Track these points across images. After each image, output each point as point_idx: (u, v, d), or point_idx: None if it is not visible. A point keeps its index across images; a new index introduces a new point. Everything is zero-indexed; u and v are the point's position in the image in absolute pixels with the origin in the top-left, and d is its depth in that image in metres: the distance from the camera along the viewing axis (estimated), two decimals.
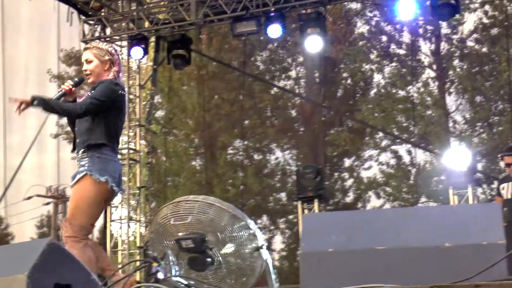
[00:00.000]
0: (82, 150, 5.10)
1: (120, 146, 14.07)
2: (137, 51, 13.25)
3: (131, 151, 14.01)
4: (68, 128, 18.74)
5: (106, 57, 5.25)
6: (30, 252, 4.07)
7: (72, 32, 14.67)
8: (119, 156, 5.31)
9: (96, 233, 15.66)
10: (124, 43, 14.06)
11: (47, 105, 5.02)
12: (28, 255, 4.04)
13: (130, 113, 14.11)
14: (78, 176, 5.06)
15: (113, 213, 13.79)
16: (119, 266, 13.36)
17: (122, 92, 5.21)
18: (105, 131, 5.12)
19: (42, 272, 3.95)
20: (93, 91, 5.13)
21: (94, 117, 5.11)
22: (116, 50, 5.37)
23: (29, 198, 19.57)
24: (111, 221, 13.76)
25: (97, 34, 13.92)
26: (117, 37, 14.00)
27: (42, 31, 14.78)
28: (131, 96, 14.20)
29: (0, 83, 13.17)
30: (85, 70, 5.27)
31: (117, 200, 14.03)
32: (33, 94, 5.01)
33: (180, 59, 13.38)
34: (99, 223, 14.71)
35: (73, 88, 5.19)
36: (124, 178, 14.00)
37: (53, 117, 16.76)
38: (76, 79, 5.29)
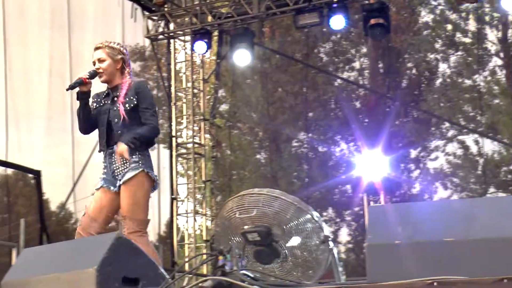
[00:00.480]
0: (133, 151, 5.15)
1: (185, 140, 14.27)
2: (201, 45, 13.32)
3: (196, 145, 14.11)
4: None
5: (119, 56, 5.35)
6: (99, 246, 4.13)
7: (136, 28, 14.80)
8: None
9: (162, 227, 15.80)
10: (188, 37, 14.15)
11: (141, 142, 5.16)
12: (97, 249, 4.10)
13: (195, 108, 14.20)
14: (132, 173, 5.13)
15: (179, 207, 13.91)
16: (186, 259, 13.48)
17: None
18: None
19: (110, 265, 4.00)
20: (134, 97, 5.22)
21: (139, 118, 5.23)
22: (126, 50, 5.45)
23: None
24: (178, 215, 13.88)
25: (160, 29, 14.05)
26: (181, 32, 14.10)
27: (107, 27, 14.95)
28: (195, 91, 14.29)
29: (68, 80, 13.37)
30: (98, 69, 5.33)
31: (183, 194, 14.15)
32: (121, 141, 5.12)
33: (243, 52, 13.39)
34: (165, 217, 14.88)
35: (89, 79, 5.27)
36: (190, 172, 14.13)
37: None
38: (91, 71, 5.33)
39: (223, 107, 21.33)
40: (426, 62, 22.26)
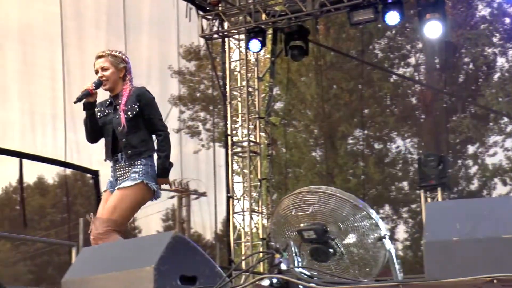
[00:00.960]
0: (135, 158, 5.28)
1: (240, 138, 14.31)
2: (255, 44, 13.33)
3: (252, 144, 14.13)
4: (191, 123, 19.00)
5: (122, 65, 5.43)
6: (156, 245, 4.16)
7: (191, 27, 14.91)
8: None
9: (219, 225, 15.88)
10: (242, 36, 14.19)
11: (170, 167, 5.39)
12: (155, 248, 4.13)
13: (250, 106, 14.23)
14: (129, 183, 5.25)
15: (235, 205, 13.96)
16: (243, 257, 13.52)
17: None
18: (152, 140, 5.40)
19: (168, 264, 4.03)
20: (136, 104, 5.32)
21: (143, 129, 5.34)
22: (128, 58, 5.51)
23: None
24: (234, 213, 13.93)
25: (215, 28, 14.11)
26: (235, 31, 14.15)
27: (162, 28, 15.09)
28: (250, 89, 14.32)
29: None
30: (101, 77, 5.39)
31: (239, 192, 14.20)
32: (161, 180, 5.35)
33: (298, 50, 13.36)
34: (222, 215, 14.95)
35: (95, 90, 5.34)
36: (245, 171, 14.17)
37: (175, 113, 17.10)
38: (96, 81, 5.39)
39: (278, 105, 21.34)
40: (483, 56, 21.93)
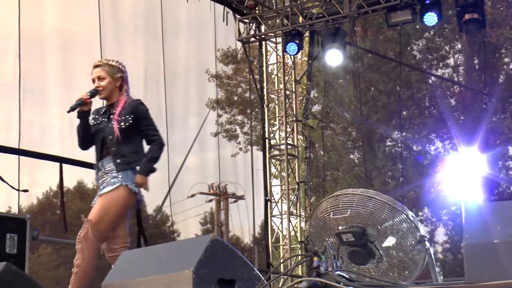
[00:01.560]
0: (123, 167, 5.38)
1: (277, 141, 14.31)
2: (292, 46, 13.31)
3: (289, 147, 14.13)
4: (228, 126, 19.04)
5: (118, 75, 5.52)
6: (195, 248, 4.17)
7: (228, 31, 14.96)
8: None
9: (257, 228, 15.89)
10: (279, 39, 14.19)
11: (152, 169, 5.45)
12: (193, 251, 4.15)
13: (287, 109, 14.22)
14: (109, 188, 5.35)
15: (273, 208, 13.96)
16: (281, 260, 13.51)
17: None
18: (143, 150, 5.52)
19: (206, 267, 4.04)
20: (130, 116, 5.42)
21: (134, 140, 5.45)
22: (125, 68, 5.61)
23: (192, 196, 20.17)
24: (272, 216, 13.92)
25: (252, 32, 14.13)
26: (272, 34, 14.16)
27: (199, 32, 15.17)
28: (287, 92, 14.31)
29: (162, 85, 13.62)
30: (98, 87, 5.49)
31: (276, 195, 14.20)
32: (139, 176, 5.39)
33: (335, 52, 13.33)
34: (260, 219, 14.96)
35: (89, 99, 5.46)
36: (283, 174, 14.16)
37: (212, 116, 17.16)
38: (92, 90, 5.49)
39: (316, 107, 21.31)
40: None
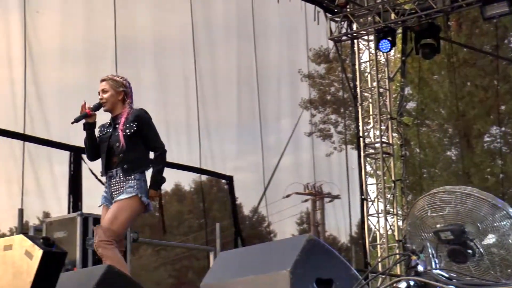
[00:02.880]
0: (130, 173, 5.67)
1: (372, 140, 14.20)
2: (385, 44, 13.20)
3: (384, 145, 14.00)
4: (322, 126, 19.00)
5: (120, 89, 5.86)
6: (292, 248, 4.18)
7: (319, 30, 14.91)
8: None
9: (354, 227, 15.78)
10: (371, 37, 14.09)
11: (162, 181, 5.82)
12: (290, 251, 4.15)
13: (381, 107, 14.10)
14: (125, 196, 5.64)
15: (369, 207, 13.86)
16: (379, 260, 13.39)
17: None
18: (148, 155, 5.88)
19: (303, 267, 4.04)
20: (134, 123, 5.73)
21: (139, 147, 5.75)
22: (129, 83, 5.96)
23: (288, 196, 20.18)
24: (368, 215, 13.83)
25: (343, 30, 14.07)
26: (364, 32, 14.06)
27: (290, 32, 15.16)
28: (381, 90, 14.19)
29: (255, 87, 13.69)
30: (101, 99, 5.84)
31: (372, 194, 14.09)
32: (152, 191, 5.75)
33: (429, 48, 13.15)
34: (356, 218, 14.85)
35: (93, 112, 5.81)
36: (379, 172, 14.03)
37: (306, 116, 17.15)
38: (95, 104, 5.84)
39: (410, 104, 21.01)
40: None
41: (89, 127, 5.85)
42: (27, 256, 4.53)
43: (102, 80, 5.93)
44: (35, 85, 10.53)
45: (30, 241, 4.58)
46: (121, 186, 5.71)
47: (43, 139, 10.45)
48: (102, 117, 6.00)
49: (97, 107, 5.85)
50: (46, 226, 8.01)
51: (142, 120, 5.81)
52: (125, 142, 5.69)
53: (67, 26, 11.40)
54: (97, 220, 7.93)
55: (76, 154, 10.52)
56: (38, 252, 4.50)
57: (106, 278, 4.90)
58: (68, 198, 10.26)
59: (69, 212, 9.78)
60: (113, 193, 5.74)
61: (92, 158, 5.97)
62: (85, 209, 9.05)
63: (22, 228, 8.58)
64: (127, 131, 5.72)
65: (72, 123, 5.83)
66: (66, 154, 10.63)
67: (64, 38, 11.40)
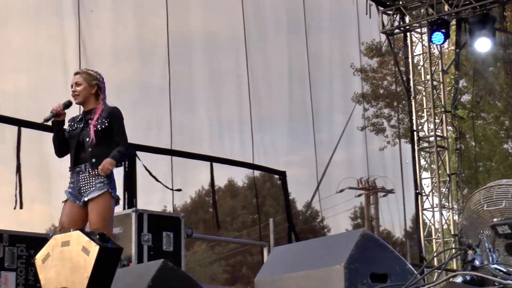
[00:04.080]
0: (97, 167, 5.64)
1: (426, 133, 14.06)
2: (438, 36, 13.05)
3: (439, 138, 13.85)
4: (375, 120, 18.86)
5: (94, 82, 5.88)
6: (346, 243, 4.16)
7: (371, 24, 14.81)
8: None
9: (408, 222, 15.65)
10: (424, 29, 13.95)
11: (121, 159, 5.80)
12: (344, 246, 4.14)
13: (435, 100, 13.95)
14: (97, 192, 5.61)
15: (424, 201, 13.73)
16: (434, 254, 13.26)
17: None
18: None
19: (358, 262, 4.02)
20: (106, 119, 5.74)
21: (109, 143, 5.73)
22: (103, 78, 5.97)
23: (341, 191, 20.11)
24: (423, 209, 13.70)
25: (396, 23, 13.94)
26: (417, 24, 13.92)
27: (342, 26, 15.07)
28: (435, 83, 14.04)
29: (307, 81, 13.66)
30: (74, 92, 5.86)
31: (427, 188, 13.95)
32: (109, 160, 5.65)
33: (484, 39, 12.95)
34: (410, 212, 14.72)
35: (62, 110, 5.82)
36: (433, 166, 13.89)
37: (358, 111, 17.05)
38: (65, 102, 5.85)
39: (465, 97, 20.75)
40: None
41: (58, 124, 5.88)
42: (84, 252, 4.60)
43: (76, 73, 5.97)
44: None
45: (86, 237, 4.66)
46: (90, 181, 5.69)
47: None
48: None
49: (67, 105, 5.88)
50: None
51: (115, 117, 5.82)
52: (95, 137, 5.71)
53: (120, 25, 11.52)
54: (152, 216, 8.06)
55: (130, 151, 10.63)
56: (94, 248, 4.57)
57: (161, 274, 4.94)
58: (123, 195, 10.37)
59: (124, 209, 9.88)
60: (82, 188, 5.70)
61: (61, 154, 5.97)
62: (140, 206, 9.12)
63: None
64: (99, 126, 5.74)
65: (42, 123, 5.92)
66: None
67: (116, 37, 11.53)
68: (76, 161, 5.79)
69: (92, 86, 5.89)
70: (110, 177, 5.73)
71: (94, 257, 4.54)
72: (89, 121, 5.80)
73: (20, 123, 8.95)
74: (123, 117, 5.93)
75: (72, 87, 5.92)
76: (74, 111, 6.04)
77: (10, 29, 10.19)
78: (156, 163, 11.09)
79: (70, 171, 5.85)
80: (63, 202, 5.83)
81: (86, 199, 5.65)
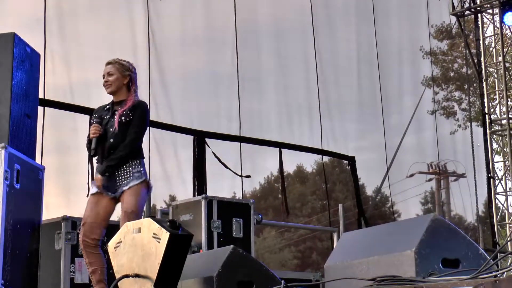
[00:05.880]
0: (117, 160, 5.61)
1: (498, 116, 13.81)
2: (511, 16, 12.79)
3: (511, 121, 13.58)
4: (445, 103, 18.58)
5: (127, 73, 5.82)
6: (416, 228, 4.13)
7: (441, 6, 14.57)
8: None
9: (480, 206, 15.41)
10: (496, 10, 13.68)
11: (120, 160, 5.67)
12: (414, 231, 4.11)
13: (508, 82, 13.69)
14: (136, 181, 5.59)
15: (497, 186, 13.51)
16: (508, 239, 13.03)
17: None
18: (141, 147, 5.87)
19: (429, 247, 3.99)
20: (131, 112, 5.70)
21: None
22: (135, 69, 5.91)
23: (411, 175, 19.89)
24: (496, 194, 13.49)
25: (466, 4, 13.71)
26: (488, 5, 13.66)
27: (411, 9, 14.86)
28: (507, 65, 13.77)
29: (375, 66, 13.53)
30: (106, 82, 5.79)
31: (500, 172, 13.70)
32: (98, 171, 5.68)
33: None
34: (483, 197, 14.49)
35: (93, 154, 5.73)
36: (506, 150, 13.64)
37: (428, 94, 16.82)
38: (93, 148, 5.71)
39: None
40: None
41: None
42: (155, 239, 4.66)
43: (108, 63, 5.88)
44: (159, 72, 10.78)
45: (157, 224, 4.72)
46: (127, 171, 5.64)
47: (168, 124, 10.69)
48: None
49: (94, 151, 5.77)
50: (172, 209, 8.19)
51: (138, 111, 5.75)
52: (118, 128, 5.67)
53: (188, 13, 11.59)
54: (221, 203, 8.12)
55: (199, 138, 10.72)
56: (165, 235, 4.62)
57: (231, 260, 4.98)
58: (193, 182, 10.47)
59: (194, 195, 9.99)
60: (117, 178, 5.64)
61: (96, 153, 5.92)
62: (210, 192, 9.20)
63: (150, 212, 8.81)
64: (123, 117, 5.70)
65: (93, 154, 5.78)
66: (190, 139, 10.85)
67: (185, 24, 11.60)
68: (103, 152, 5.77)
69: (125, 77, 5.85)
70: (143, 164, 5.74)
71: (165, 244, 4.59)
72: (116, 112, 5.77)
73: (91, 112, 9.13)
74: (148, 112, 5.89)
75: (104, 77, 5.86)
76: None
77: (80, 18, 10.34)
78: (225, 150, 11.17)
79: (97, 162, 5.82)
80: (91, 195, 5.75)
81: (125, 188, 5.61)
